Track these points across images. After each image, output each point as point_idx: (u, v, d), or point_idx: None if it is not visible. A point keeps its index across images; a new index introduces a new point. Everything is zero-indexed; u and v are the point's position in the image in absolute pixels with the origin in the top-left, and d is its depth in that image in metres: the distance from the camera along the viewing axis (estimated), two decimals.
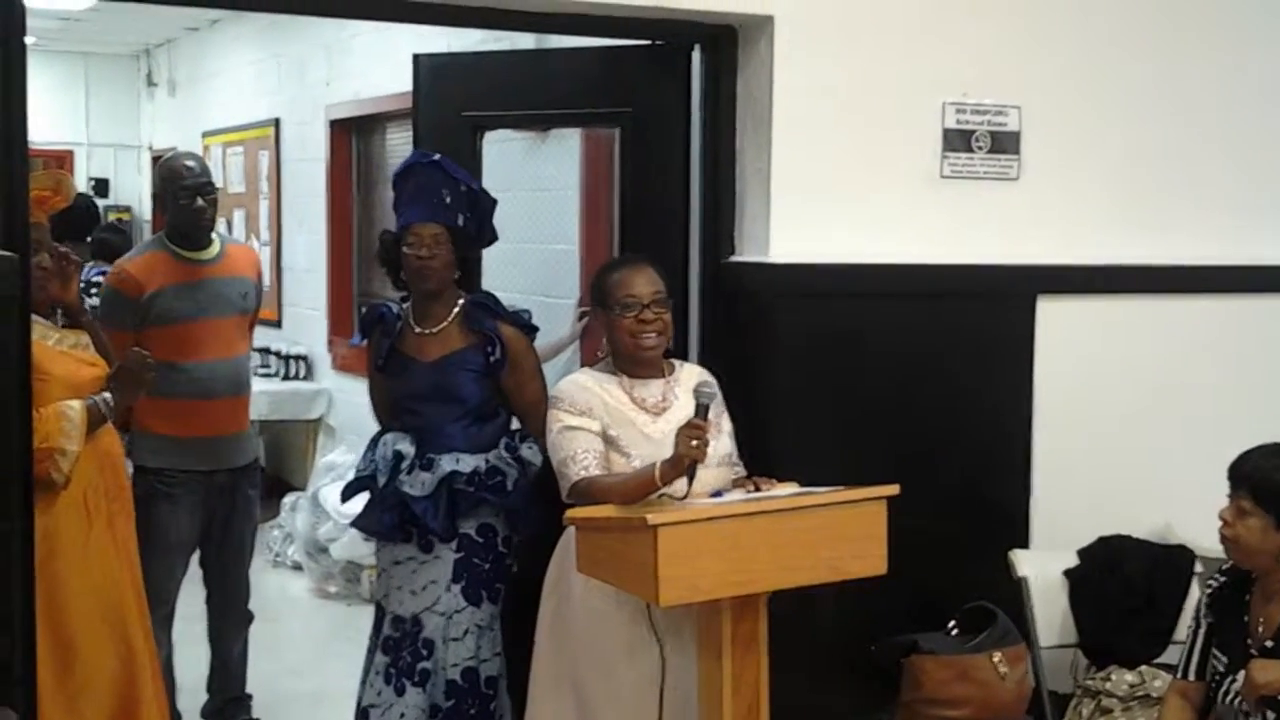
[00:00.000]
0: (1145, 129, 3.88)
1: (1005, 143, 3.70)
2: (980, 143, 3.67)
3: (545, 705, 3.15)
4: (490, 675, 3.47)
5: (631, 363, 3.10)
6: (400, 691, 3.44)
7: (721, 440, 3.07)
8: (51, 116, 10.55)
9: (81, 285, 6.54)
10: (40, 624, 2.92)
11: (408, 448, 3.47)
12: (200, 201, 4.01)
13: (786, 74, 3.47)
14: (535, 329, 3.61)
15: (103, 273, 6.49)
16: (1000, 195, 3.71)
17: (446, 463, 3.44)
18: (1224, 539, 2.86)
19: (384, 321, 3.60)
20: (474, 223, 3.55)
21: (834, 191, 3.54)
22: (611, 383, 3.09)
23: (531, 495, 3.45)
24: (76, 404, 3.17)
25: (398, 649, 3.47)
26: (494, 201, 3.62)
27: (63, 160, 10.95)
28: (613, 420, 3.03)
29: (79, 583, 3.17)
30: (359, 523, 3.65)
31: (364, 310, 3.95)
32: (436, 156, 3.53)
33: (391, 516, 3.46)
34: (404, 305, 3.62)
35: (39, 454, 3.01)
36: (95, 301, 6.37)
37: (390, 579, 3.54)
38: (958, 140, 3.65)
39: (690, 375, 3.17)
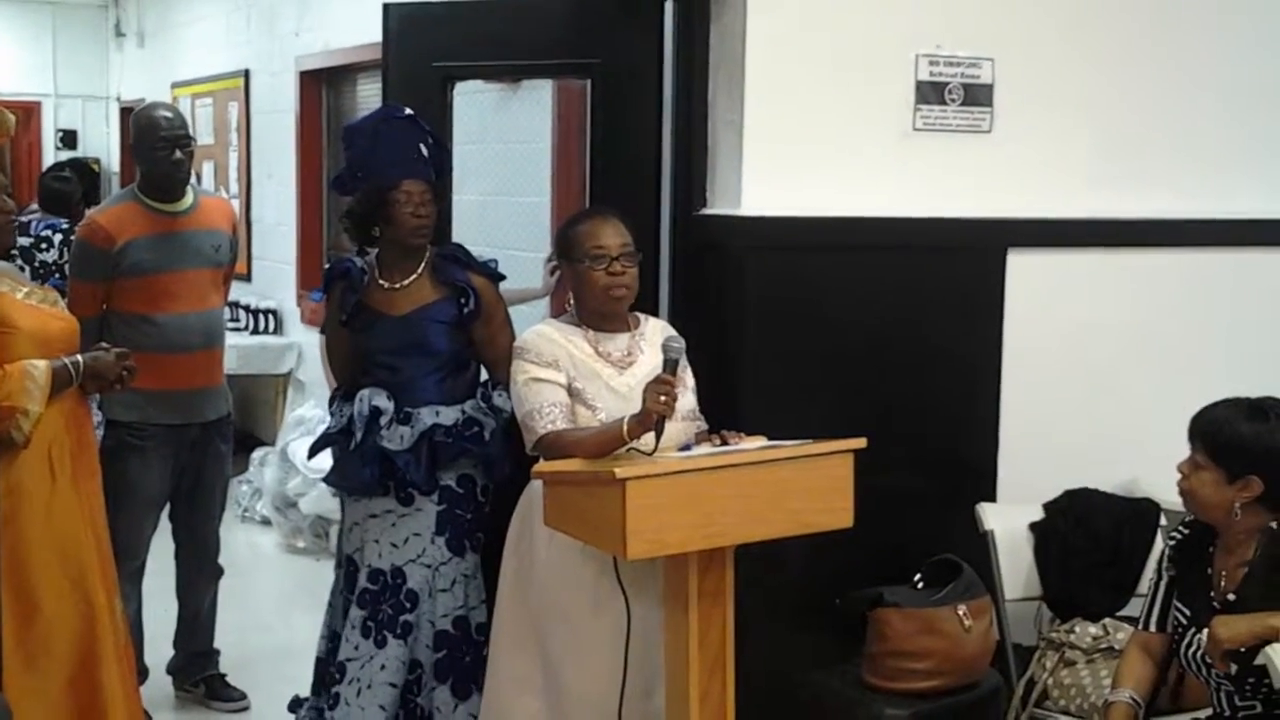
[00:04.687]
0: (1119, 81, 3.87)
1: (978, 95, 3.68)
2: (953, 95, 3.65)
3: (508, 661, 3.15)
4: (480, 622, 3.48)
5: (598, 316, 3.09)
6: (381, 644, 3.44)
7: (686, 395, 3.06)
8: (18, 67, 10.43)
9: (30, 240, 6.47)
10: (2, 580, 2.90)
11: (385, 403, 3.45)
12: (177, 154, 3.97)
13: (760, 25, 3.44)
14: (502, 276, 3.60)
15: (50, 226, 6.43)
16: (973, 148, 3.69)
17: (426, 416, 3.43)
18: (1180, 491, 2.88)
19: (349, 276, 3.56)
20: (442, 178, 3.56)
21: (806, 144, 3.52)
22: (576, 335, 3.07)
23: (505, 442, 3.45)
24: (42, 364, 3.14)
25: (376, 602, 3.47)
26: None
27: (30, 112, 10.83)
28: (578, 373, 3.02)
29: (41, 538, 3.15)
30: (333, 479, 3.63)
31: (327, 265, 3.92)
32: (408, 111, 3.51)
33: (372, 470, 3.45)
34: (368, 260, 3.59)
35: (1, 412, 2.98)
36: (46, 256, 6.32)
37: (365, 532, 3.53)
38: (931, 93, 3.63)
39: (655, 329, 3.17)
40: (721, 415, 3.16)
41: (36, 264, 6.28)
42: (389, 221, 3.46)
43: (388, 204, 3.44)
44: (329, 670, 3.58)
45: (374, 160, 3.50)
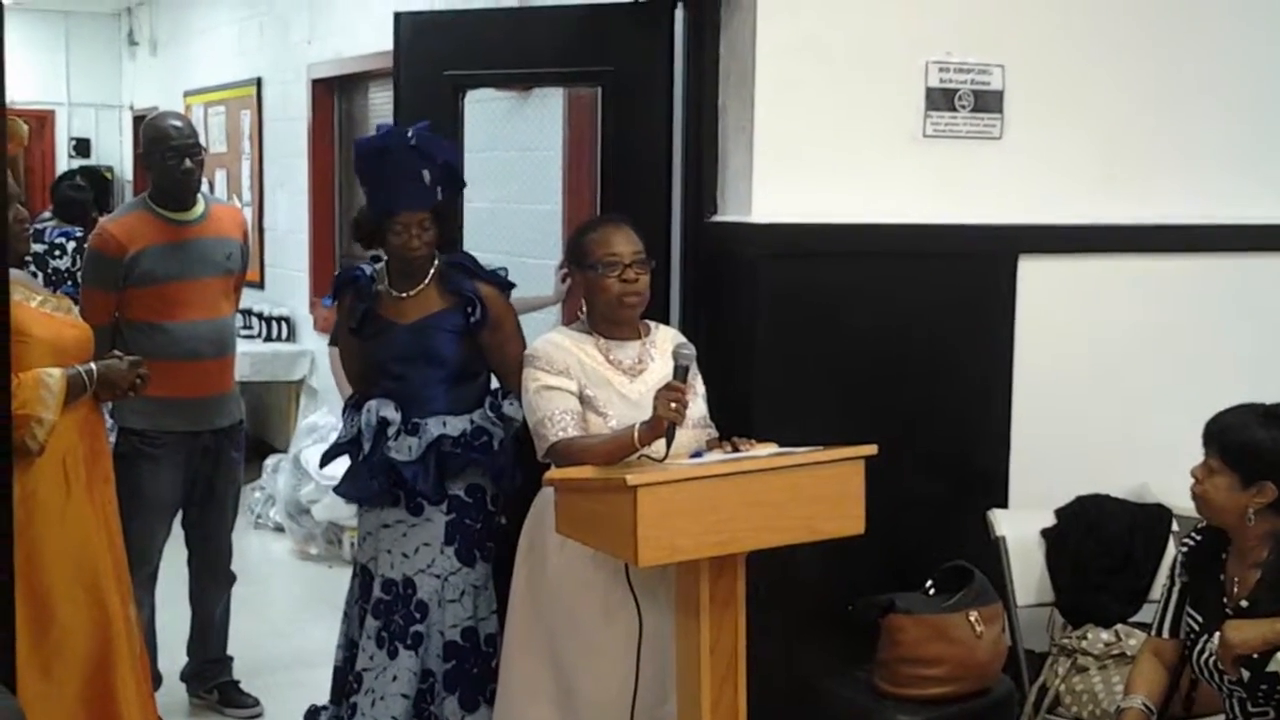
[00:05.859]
0: (1130, 87, 3.87)
1: (988, 102, 3.68)
2: (963, 102, 3.66)
3: (520, 668, 3.16)
4: (489, 633, 3.48)
5: (610, 323, 3.10)
6: (393, 654, 3.45)
7: (696, 402, 3.07)
8: (32, 76, 10.46)
9: (44, 247, 6.48)
10: (17, 588, 2.91)
11: (393, 414, 3.46)
12: (188, 163, 3.99)
13: (770, 32, 3.44)
14: (512, 285, 3.60)
15: (64, 234, 6.45)
16: (983, 154, 3.69)
17: (434, 426, 3.43)
18: (1194, 496, 2.88)
19: (358, 284, 3.57)
20: (450, 193, 3.52)
21: (817, 151, 3.53)
22: (588, 343, 3.08)
23: (515, 452, 3.45)
24: (57, 373, 3.16)
25: (389, 612, 3.47)
26: (460, 157, 3.58)
27: (43, 120, 10.88)
28: (589, 380, 3.03)
29: (56, 547, 3.16)
30: (343, 490, 3.63)
31: (337, 272, 3.92)
32: (412, 137, 3.43)
33: (380, 481, 3.45)
34: (377, 267, 3.59)
35: (16, 420, 2.99)
36: (59, 264, 6.34)
37: (378, 542, 3.53)
38: (941, 99, 3.63)
39: (665, 337, 3.17)
40: (733, 422, 3.17)
41: (49, 271, 6.32)
42: (386, 246, 3.48)
43: (384, 230, 3.45)
44: (347, 680, 3.59)
45: (374, 186, 3.50)
